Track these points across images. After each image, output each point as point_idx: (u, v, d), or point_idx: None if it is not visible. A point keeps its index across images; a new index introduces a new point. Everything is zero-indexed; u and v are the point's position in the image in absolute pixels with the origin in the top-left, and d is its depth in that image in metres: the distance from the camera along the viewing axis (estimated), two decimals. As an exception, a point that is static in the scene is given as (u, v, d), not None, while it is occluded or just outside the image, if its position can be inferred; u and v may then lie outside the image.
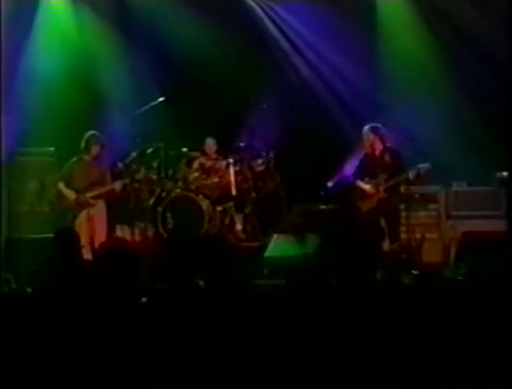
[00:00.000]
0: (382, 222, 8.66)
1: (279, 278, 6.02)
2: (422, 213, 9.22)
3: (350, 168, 9.18)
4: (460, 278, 5.97)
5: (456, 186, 9.44)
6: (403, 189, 8.54)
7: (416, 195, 9.06)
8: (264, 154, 9.76)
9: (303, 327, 4.19)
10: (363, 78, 9.80)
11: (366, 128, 8.62)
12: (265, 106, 9.80)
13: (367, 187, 8.59)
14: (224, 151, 9.92)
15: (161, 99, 9.57)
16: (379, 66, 9.80)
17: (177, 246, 8.08)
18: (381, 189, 8.53)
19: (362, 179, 8.71)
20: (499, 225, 8.63)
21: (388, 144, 8.64)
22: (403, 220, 8.74)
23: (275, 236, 8.55)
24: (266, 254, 8.36)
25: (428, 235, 9.07)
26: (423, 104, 9.52)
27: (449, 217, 9.30)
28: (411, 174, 8.36)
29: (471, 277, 4.78)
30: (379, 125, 8.63)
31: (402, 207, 8.73)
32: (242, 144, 9.80)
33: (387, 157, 8.50)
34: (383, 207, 8.58)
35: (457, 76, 9.46)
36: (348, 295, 4.54)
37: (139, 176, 9.13)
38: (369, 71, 9.76)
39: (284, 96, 10.02)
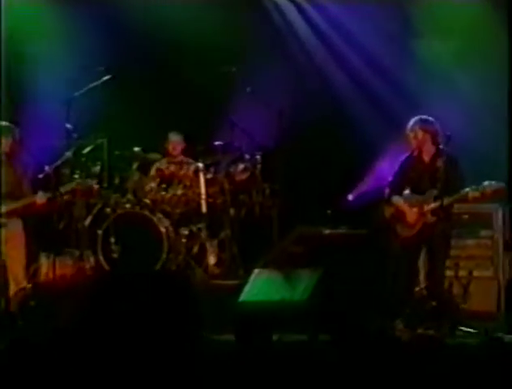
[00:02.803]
0: (421, 258, 8.00)
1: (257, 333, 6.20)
2: (470, 242, 8.66)
3: (380, 176, 8.63)
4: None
5: None
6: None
7: (463, 216, 8.32)
8: (248, 157, 9.25)
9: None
10: (392, 60, 9.65)
11: (413, 121, 7.90)
12: (249, 90, 9.07)
13: (407, 206, 7.72)
14: (192, 151, 9.46)
15: (106, 77, 8.94)
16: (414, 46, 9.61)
17: (123, 285, 6.78)
18: (428, 209, 7.72)
19: (401, 193, 7.94)
20: None
21: (443, 147, 7.85)
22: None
23: (256, 272, 7.89)
24: (242, 297, 7.73)
25: (477, 273, 8.46)
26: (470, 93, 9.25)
27: (508, 248, 8.66)
28: (471, 193, 7.47)
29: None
30: (431, 118, 7.88)
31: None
32: (218, 143, 9.27)
33: (440, 165, 7.73)
34: (426, 236, 7.77)
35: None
36: (348, 361, 4.65)
37: (73, 185, 8.46)
38: (400, 52, 9.62)
39: (281, 79, 9.60)
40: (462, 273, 8.31)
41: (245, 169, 9.19)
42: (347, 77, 9.89)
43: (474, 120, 9.09)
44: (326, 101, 9.71)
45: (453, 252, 8.09)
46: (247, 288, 7.82)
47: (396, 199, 7.99)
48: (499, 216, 8.64)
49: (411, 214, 7.91)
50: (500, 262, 8.58)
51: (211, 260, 9.08)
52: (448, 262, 8.03)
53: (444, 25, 9.58)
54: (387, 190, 8.07)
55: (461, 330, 7.42)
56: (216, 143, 9.22)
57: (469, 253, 8.60)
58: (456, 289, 8.12)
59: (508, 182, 8.29)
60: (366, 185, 9.30)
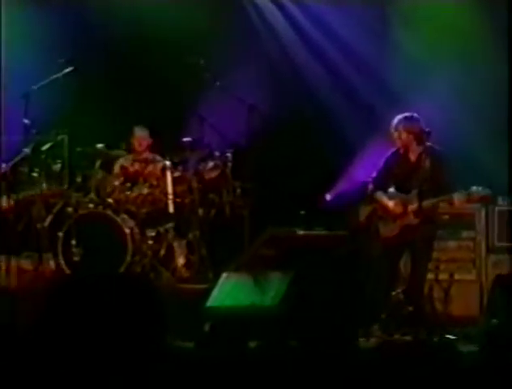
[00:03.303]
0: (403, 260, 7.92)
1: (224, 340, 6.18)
2: (451, 243, 8.63)
3: (360, 174, 8.65)
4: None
5: (502, 204, 8.70)
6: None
7: (444, 216, 8.17)
8: (218, 154, 9.11)
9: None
10: (372, 55, 9.62)
11: (397, 120, 7.77)
12: (219, 84, 8.96)
13: (391, 204, 7.62)
14: (159, 148, 9.29)
15: (67, 70, 8.82)
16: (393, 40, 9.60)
17: (83, 289, 6.94)
18: (411, 209, 7.62)
19: (385, 190, 7.84)
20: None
21: (430, 144, 7.74)
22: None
23: (224, 275, 7.75)
24: (209, 302, 7.58)
25: (458, 276, 8.39)
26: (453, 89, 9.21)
27: (491, 250, 8.64)
28: (456, 198, 7.37)
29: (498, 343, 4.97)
30: (416, 116, 7.77)
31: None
32: (187, 139, 9.07)
33: (427, 164, 7.63)
34: (409, 237, 7.67)
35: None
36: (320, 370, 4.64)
37: (32, 184, 8.56)
38: (380, 47, 9.61)
39: (254, 74, 9.52)
40: (442, 276, 8.19)
41: (214, 167, 9.05)
42: (325, 73, 9.81)
43: (456, 117, 9.02)
44: (302, 97, 9.64)
45: (433, 254, 7.97)
46: (215, 293, 7.70)
47: (380, 196, 7.89)
48: (482, 217, 8.60)
49: (395, 213, 7.82)
50: (482, 265, 8.54)
51: (179, 263, 8.91)
52: (428, 265, 7.85)
53: (425, 20, 9.42)
54: (371, 186, 7.96)
55: (440, 335, 7.13)
56: (185, 139, 9.02)
57: (450, 255, 8.53)
58: (436, 293, 8.01)
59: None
60: (345, 184, 9.24)
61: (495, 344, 5.33)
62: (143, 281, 7.36)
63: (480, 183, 8.21)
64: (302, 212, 8.78)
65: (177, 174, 8.97)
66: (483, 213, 8.59)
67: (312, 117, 9.52)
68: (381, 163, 7.94)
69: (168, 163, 8.96)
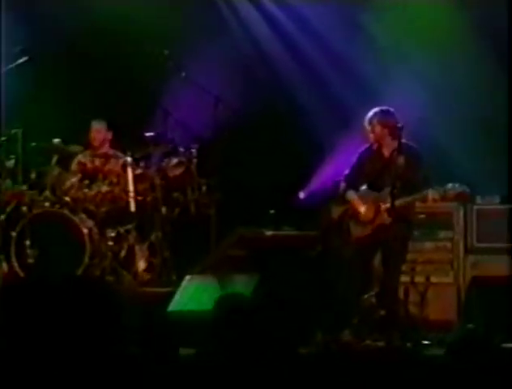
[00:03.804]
0: (377, 260, 7.84)
1: (188, 345, 6.01)
2: (428, 244, 8.58)
3: (335, 172, 8.54)
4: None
5: (482, 203, 8.68)
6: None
7: (420, 216, 8.09)
8: (182, 149, 8.98)
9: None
10: (347, 49, 9.54)
11: (372, 113, 7.74)
12: (184, 75, 8.86)
13: (362, 203, 7.66)
14: (119, 143, 9.16)
15: (22, 60, 8.72)
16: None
17: (40, 293, 5.83)
18: (384, 208, 7.57)
19: (358, 188, 7.79)
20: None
21: (405, 141, 7.68)
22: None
23: (187, 278, 7.79)
24: (171, 307, 7.59)
25: (435, 278, 8.36)
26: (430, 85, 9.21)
27: (469, 251, 8.60)
28: (431, 195, 7.32)
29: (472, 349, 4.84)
30: (392, 110, 7.75)
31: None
32: (149, 134, 8.96)
33: (401, 161, 7.55)
34: (382, 238, 7.60)
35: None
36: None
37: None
38: (355, 41, 9.54)
39: (222, 65, 9.43)
40: (418, 279, 8.15)
41: (178, 163, 8.93)
42: (298, 67, 9.82)
43: (433, 115, 9.04)
44: (275, 92, 9.61)
45: (409, 256, 7.96)
46: (177, 297, 7.69)
47: (351, 195, 7.85)
48: (460, 216, 8.57)
49: (367, 212, 7.76)
50: (461, 267, 8.49)
51: (141, 265, 8.82)
52: (404, 267, 7.88)
53: (400, 15, 9.42)
54: (343, 184, 7.92)
55: (413, 341, 7.09)
56: (147, 133, 8.91)
57: (427, 256, 8.49)
58: (412, 296, 7.96)
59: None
60: (318, 181, 9.24)
61: (469, 351, 5.10)
62: (102, 285, 6.64)
63: (459, 182, 8.29)
64: (272, 211, 8.73)
65: (138, 171, 8.86)
66: (461, 212, 8.57)
67: (285, 111, 9.51)
68: (353, 159, 7.93)
69: (129, 159, 8.84)
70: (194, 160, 8.90)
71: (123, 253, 8.82)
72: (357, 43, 9.51)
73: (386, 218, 7.61)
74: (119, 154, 9.00)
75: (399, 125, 7.42)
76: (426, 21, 9.55)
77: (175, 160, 8.92)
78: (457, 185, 7.59)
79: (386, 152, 7.74)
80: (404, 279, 8.02)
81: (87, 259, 8.46)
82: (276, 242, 8.48)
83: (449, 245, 8.58)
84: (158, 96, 9.21)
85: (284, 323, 6.49)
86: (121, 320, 5.96)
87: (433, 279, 8.28)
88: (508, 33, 8.91)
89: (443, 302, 8.30)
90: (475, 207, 8.55)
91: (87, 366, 4.78)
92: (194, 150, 8.92)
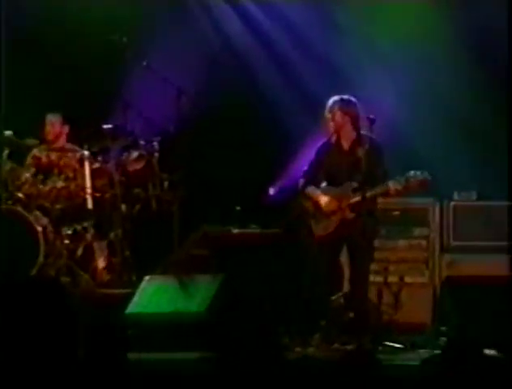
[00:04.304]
0: (344, 257, 7.88)
1: (148, 350, 6.23)
2: (402, 242, 8.61)
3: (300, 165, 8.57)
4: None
5: (459, 199, 8.71)
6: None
7: (394, 212, 8.22)
8: (143, 142, 8.84)
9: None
10: (320, 43, 9.57)
11: (332, 101, 7.76)
12: (145, 64, 8.64)
13: (324, 199, 7.63)
14: (76, 136, 9.00)
15: None
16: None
17: None
18: (347, 204, 7.57)
19: (318, 184, 7.78)
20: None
21: (365, 132, 7.67)
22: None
23: (147, 279, 7.64)
24: (129, 309, 7.43)
25: (410, 278, 8.39)
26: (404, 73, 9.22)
27: (445, 250, 8.62)
28: (392, 185, 7.29)
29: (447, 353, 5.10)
30: (354, 99, 7.78)
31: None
32: (107, 126, 8.79)
33: (362, 153, 7.53)
34: (345, 235, 7.61)
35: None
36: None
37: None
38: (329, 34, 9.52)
39: (187, 55, 9.37)
40: (392, 279, 8.11)
41: (139, 157, 8.78)
42: (267, 57, 9.77)
43: (414, 113, 9.07)
44: (242, 82, 9.55)
45: (381, 254, 8.05)
46: (135, 298, 7.53)
47: (311, 191, 7.76)
48: (436, 213, 8.57)
49: (328, 209, 7.69)
50: (436, 267, 8.50)
51: (99, 265, 8.68)
52: (376, 267, 7.92)
53: (381, 12, 9.55)
54: (301, 181, 7.87)
55: (385, 345, 7.10)
56: (105, 126, 8.73)
57: (400, 255, 8.51)
58: (385, 297, 7.92)
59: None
60: (290, 176, 9.16)
61: (443, 355, 5.22)
62: (56, 286, 7.11)
63: (438, 178, 8.21)
64: (238, 208, 8.69)
65: (96, 165, 8.73)
66: (437, 208, 8.56)
67: (253, 104, 9.46)
68: (312, 155, 7.90)
69: (86, 153, 8.71)
70: (156, 154, 8.75)
71: (80, 252, 8.69)
72: (331, 38, 9.44)
73: (348, 213, 7.56)
74: (76, 148, 8.86)
75: (371, 117, 7.28)
76: (404, 20, 9.39)
77: (135, 154, 8.75)
78: (418, 172, 7.52)
79: (346, 145, 7.71)
80: (377, 279, 8.00)
81: (41, 259, 8.32)
82: (242, 241, 8.45)
83: (424, 243, 8.54)
84: (117, 87, 9.09)
85: (249, 326, 6.47)
86: (76, 323, 6.36)
87: (408, 280, 8.23)
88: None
89: (418, 303, 8.25)
90: (452, 203, 8.54)
91: (37, 370, 4.92)
92: (155, 143, 8.75)
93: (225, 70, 9.60)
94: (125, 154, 8.81)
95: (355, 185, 7.62)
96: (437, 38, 9.38)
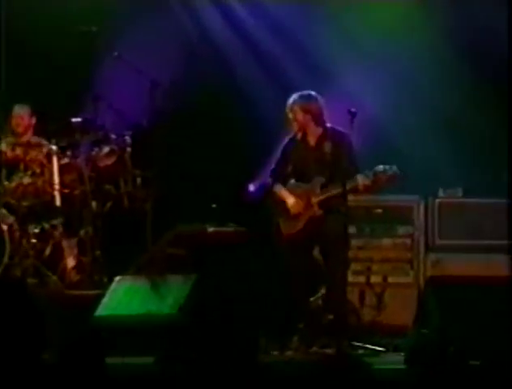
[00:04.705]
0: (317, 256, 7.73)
1: (118, 353, 6.22)
2: (385, 241, 8.48)
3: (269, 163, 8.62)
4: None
5: (444, 196, 8.64)
6: (351, 201, 7.60)
7: (376, 210, 8.24)
8: (114, 137, 8.71)
9: None
10: (300, 37, 9.54)
11: (292, 99, 7.71)
12: (116, 54, 8.53)
13: (290, 201, 7.63)
14: (43, 129, 8.86)
15: None
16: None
17: None
18: (315, 201, 7.52)
19: (286, 182, 7.75)
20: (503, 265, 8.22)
21: (330, 125, 7.64)
22: (352, 254, 8.00)
23: (117, 279, 7.54)
24: (98, 311, 7.31)
25: (393, 279, 8.32)
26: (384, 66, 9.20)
27: (431, 249, 8.52)
28: (361, 180, 7.27)
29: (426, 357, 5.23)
30: (314, 93, 7.72)
31: (351, 231, 8.06)
32: (77, 119, 8.65)
33: (328, 148, 7.59)
34: (315, 233, 7.54)
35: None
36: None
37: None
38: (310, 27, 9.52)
39: (161, 45, 9.24)
40: (375, 279, 8.13)
41: (110, 152, 8.62)
42: (246, 49, 9.72)
43: (393, 107, 9.03)
44: (220, 75, 9.48)
45: (364, 254, 8.10)
46: (105, 300, 7.40)
47: (278, 189, 7.73)
48: (420, 210, 8.48)
49: (296, 204, 7.63)
50: (421, 266, 8.40)
51: (68, 265, 8.53)
52: (359, 266, 8.02)
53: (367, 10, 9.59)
54: (269, 180, 7.84)
55: (365, 348, 6.94)
56: (74, 119, 8.56)
57: (384, 254, 8.39)
58: (368, 298, 7.95)
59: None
60: (265, 174, 8.93)
61: (423, 359, 5.09)
62: (22, 287, 6.99)
63: (423, 175, 8.42)
64: (214, 206, 8.59)
65: (64, 161, 8.57)
66: (422, 206, 8.47)
67: (231, 98, 9.36)
68: (278, 152, 7.87)
69: (54, 147, 8.54)
70: (128, 149, 8.63)
71: (48, 251, 8.56)
72: (314, 33, 9.41)
73: (316, 210, 7.50)
74: (43, 142, 8.68)
75: (352, 110, 7.14)
76: (389, 17, 9.44)
77: (106, 149, 8.63)
78: (387, 166, 7.47)
79: (312, 141, 7.65)
80: (359, 279, 7.99)
81: (6, 259, 8.22)
82: (218, 239, 8.39)
83: (408, 242, 8.47)
84: (87, 79, 8.97)
85: (224, 328, 6.31)
86: (43, 326, 6.29)
87: (391, 280, 8.20)
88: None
89: (402, 305, 8.13)
90: (437, 200, 8.49)
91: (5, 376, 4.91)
92: (127, 137, 8.63)
93: (203, 63, 9.53)
94: (96, 149, 8.68)
95: (323, 181, 7.55)
96: (422, 35, 9.41)
